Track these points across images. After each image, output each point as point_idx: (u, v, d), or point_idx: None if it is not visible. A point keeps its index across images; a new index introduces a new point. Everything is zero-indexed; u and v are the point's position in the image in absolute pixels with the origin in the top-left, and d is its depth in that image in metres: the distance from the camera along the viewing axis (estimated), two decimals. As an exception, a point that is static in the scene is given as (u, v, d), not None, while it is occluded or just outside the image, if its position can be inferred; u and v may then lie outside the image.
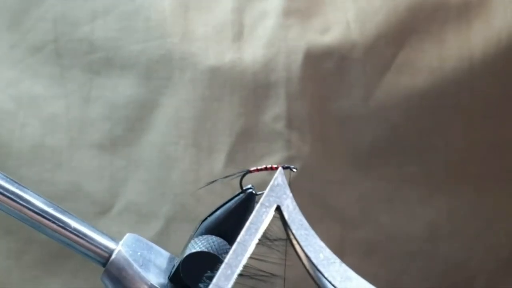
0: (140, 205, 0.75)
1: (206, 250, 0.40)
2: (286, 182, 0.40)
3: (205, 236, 0.41)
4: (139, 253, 0.40)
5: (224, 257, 0.39)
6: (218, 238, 0.41)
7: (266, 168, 0.43)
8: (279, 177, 0.40)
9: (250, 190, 0.42)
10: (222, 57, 0.74)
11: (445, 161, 0.76)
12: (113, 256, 0.39)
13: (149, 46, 0.74)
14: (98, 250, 0.40)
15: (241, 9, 0.75)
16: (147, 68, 0.75)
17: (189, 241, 0.41)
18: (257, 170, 0.43)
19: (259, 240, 0.38)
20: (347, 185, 0.76)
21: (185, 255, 0.40)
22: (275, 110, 0.74)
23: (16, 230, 0.73)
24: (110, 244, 0.40)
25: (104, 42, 0.75)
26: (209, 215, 0.42)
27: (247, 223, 0.37)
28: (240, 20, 0.75)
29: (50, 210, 0.39)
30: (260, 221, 0.38)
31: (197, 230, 0.42)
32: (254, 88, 0.74)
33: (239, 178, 0.43)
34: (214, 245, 0.40)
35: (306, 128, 0.74)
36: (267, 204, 0.39)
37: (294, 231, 0.40)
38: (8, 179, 0.40)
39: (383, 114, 0.75)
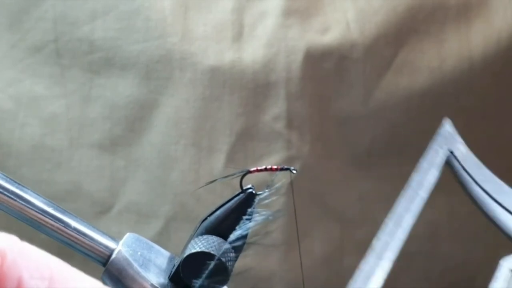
0: (140, 205, 0.75)
1: (206, 250, 0.40)
2: (455, 130, 0.39)
3: (205, 236, 0.41)
4: (139, 253, 0.40)
5: (225, 257, 0.39)
6: (218, 238, 0.41)
7: (266, 169, 0.43)
8: (446, 125, 0.39)
9: (250, 190, 0.42)
10: (222, 57, 0.74)
11: (445, 161, 0.76)
12: (113, 256, 0.39)
13: (149, 46, 0.74)
14: (98, 250, 0.40)
15: (241, 9, 0.75)
16: (147, 68, 0.75)
17: (189, 241, 0.42)
18: (257, 170, 0.43)
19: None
20: (347, 185, 0.76)
21: (185, 255, 0.40)
22: (275, 110, 0.74)
23: (16, 230, 0.73)
24: (110, 243, 0.40)
25: (104, 42, 0.75)
26: (209, 215, 0.42)
27: (414, 177, 0.35)
28: (240, 20, 0.75)
29: (50, 210, 0.39)
30: (433, 163, 0.36)
31: (197, 230, 0.42)
32: (254, 88, 0.74)
33: (239, 178, 0.43)
34: (214, 245, 0.40)
35: (306, 128, 0.74)
36: (438, 147, 0.37)
37: (469, 171, 0.39)
38: (8, 179, 0.40)
39: (383, 114, 0.75)
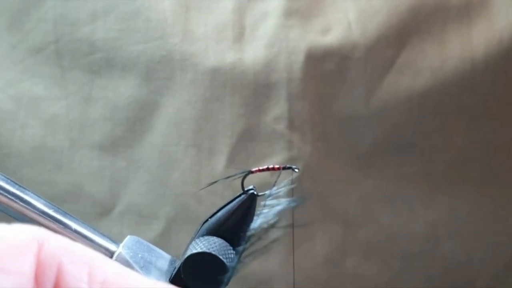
0: (141, 206, 0.75)
1: (207, 251, 0.39)
2: None
3: (206, 237, 0.41)
4: (139, 255, 0.40)
5: (226, 258, 0.39)
6: (219, 239, 0.41)
7: (268, 169, 0.43)
8: None
9: (252, 191, 0.41)
10: (223, 57, 0.74)
11: (446, 161, 0.76)
12: (113, 258, 0.39)
13: (150, 47, 0.74)
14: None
15: (242, 9, 0.75)
16: (147, 69, 0.74)
17: (190, 243, 0.41)
18: (259, 170, 0.43)
19: None
20: (348, 185, 0.76)
21: (186, 256, 0.40)
22: (276, 111, 0.74)
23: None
24: (110, 246, 0.40)
25: (105, 43, 0.75)
26: (210, 217, 0.42)
27: None
28: (240, 21, 0.75)
29: (51, 212, 0.39)
30: None
31: (198, 231, 0.42)
32: (255, 89, 0.74)
33: (240, 179, 0.42)
34: (215, 246, 0.40)
35: (307, 129, 0.74)
36: None
37: None
38: (8, 180, 0.40)
39: (384, 114, 0.75)
